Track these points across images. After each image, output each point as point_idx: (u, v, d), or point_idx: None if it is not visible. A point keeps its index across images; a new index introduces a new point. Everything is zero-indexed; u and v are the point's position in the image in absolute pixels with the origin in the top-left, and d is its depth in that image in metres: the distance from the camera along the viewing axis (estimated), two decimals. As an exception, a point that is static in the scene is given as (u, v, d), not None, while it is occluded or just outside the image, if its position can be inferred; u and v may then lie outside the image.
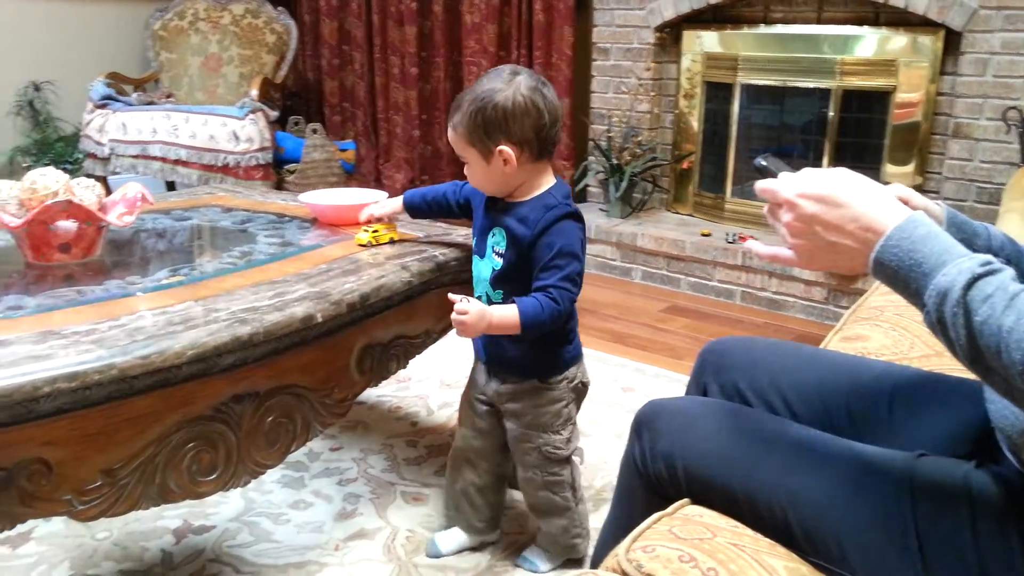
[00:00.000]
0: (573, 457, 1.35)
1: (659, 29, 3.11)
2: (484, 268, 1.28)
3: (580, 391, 1.34)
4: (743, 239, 2.79)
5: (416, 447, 1.74)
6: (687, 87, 3.13)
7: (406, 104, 4.02)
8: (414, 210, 1.45)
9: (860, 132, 2.72)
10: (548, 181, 1.25)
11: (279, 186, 3.59)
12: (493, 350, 1.31)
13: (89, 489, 0.99)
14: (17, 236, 1.30)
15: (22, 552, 1.36)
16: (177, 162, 3.55)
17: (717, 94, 3.04)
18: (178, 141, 3.52)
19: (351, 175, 3.98)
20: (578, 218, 1.23)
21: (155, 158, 3.57)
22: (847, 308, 1.56)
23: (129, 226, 1.39)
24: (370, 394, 1.93)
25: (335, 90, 4.38)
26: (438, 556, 1.38)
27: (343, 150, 3.97)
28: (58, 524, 1.42)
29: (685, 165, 3.19)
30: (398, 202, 1.45)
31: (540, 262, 1.20)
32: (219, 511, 1.49)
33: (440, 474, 1.63)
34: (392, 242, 1.45)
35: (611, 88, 3.29)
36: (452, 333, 1.45)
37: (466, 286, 1.36)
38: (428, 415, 1.90)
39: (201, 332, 1.03)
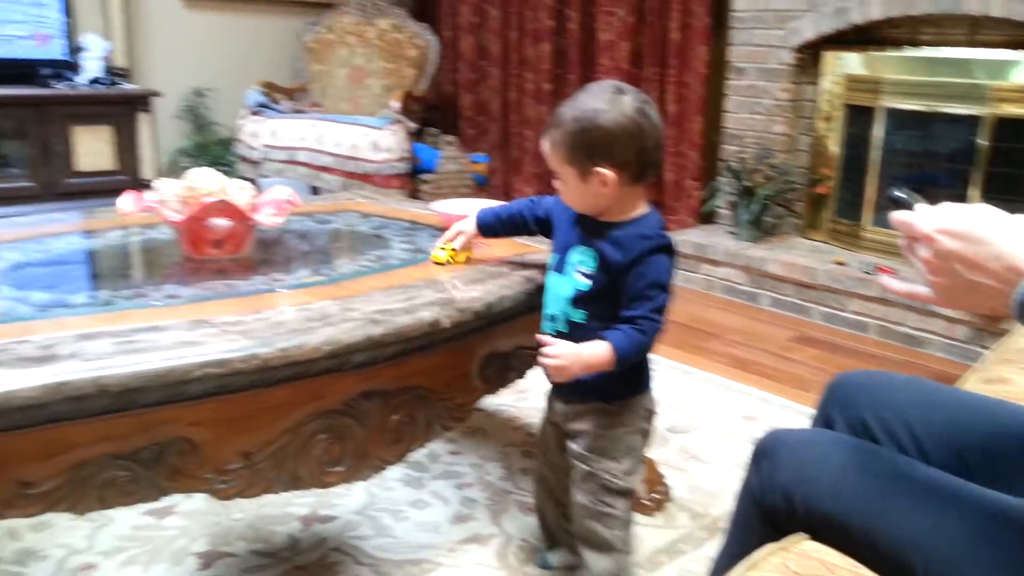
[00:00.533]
0: (632, 492, 1.26)
1: (798, 50, 3.04)
2: (563, 286, 1.22)
3: (647, 419, 1.27)
4: (881, 270, 2.68)
5: (532, 458, 1.76)
6: (826, 109, 3.04)
7: (538, 119, 4.07)
8: (487, 229, 1.39)
9: (1014, 163, 2.56)
10: (642, 207, 1.21)
11: (414, 195, 3.72)
12: None
13: (229, 469, 1.06)
14: (178, 231, 1.41)
15: (166, 524, 1.47)
16: (322, 168, 3.73)
17: (858, 118, 2.94)
18: (323, 149, 3.71)
19: (482, 187, 4.07)
20: (671, 251, 1.19)
21: (302, 164, 3.77)
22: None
23: (276, 226, 1.48)
24: (490, 402, 1.97)
25: (471, 104, 4.50)
26: (547, 568, 1.39)
27: (476, 162, 4.07)
28: (199, 502, 1.53)
29: (821, 190, 3.09)
30: (472, 222, 1.40)
31: (630, 291, 1.16)
32: (343, 503, 1.56)
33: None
34: (468, 261, 1.41)
35: (745, 108, 3.23)
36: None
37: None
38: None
39: (337, 330, 1.09)
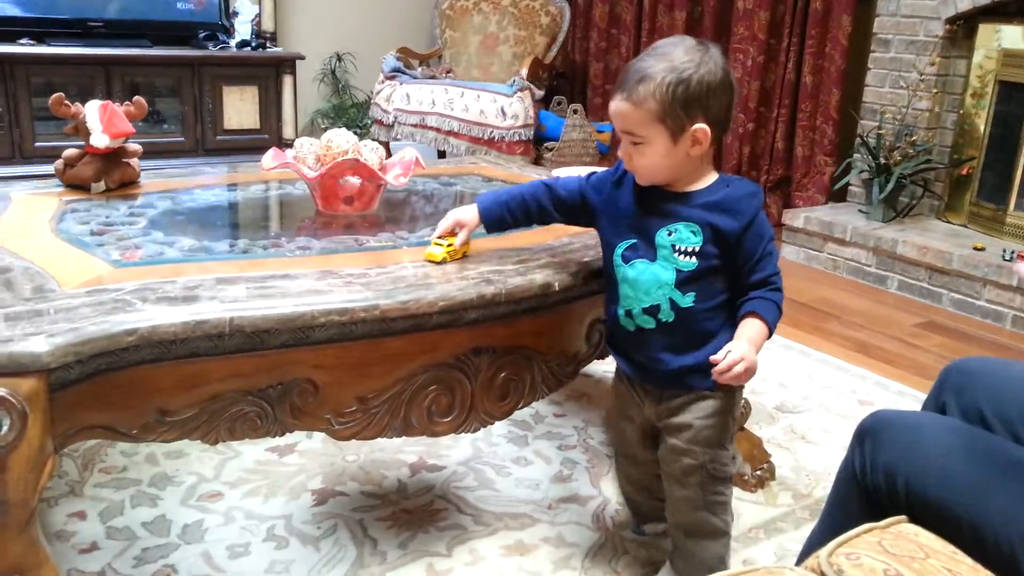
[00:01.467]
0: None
1: (951, 21, 2.86)
2: (661, 272, 1.12)
3: (740, 399, 1.22)
4: (1021, 257, 2.51)
5: (636, 425, 1.78)
6: (976, 86, 2.85)
7: (668, 89, 4.00)
8: (493, 222, 1.26)
9: None
10: (711, 169, 1.16)
11: (536, 162, 3.75)
12: (649, 366, 1.19)
13: (346, 412, 1.13)
14: (311, 186, 1.50)
15: (286, 461, 1.58)
16: (449, 133, 3.81)
17: (1012, 95, 2.74)
18: (452, 114, 3.79)
19: (605, 156, 4.05)
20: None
21: (431, 128, 3.86)
22: None
23: (403, 186, 1.54)
24: (596, 368, 1.99)
25: (599, 72, 4.47)
26: (641, 535, 1.41)
27: (600, 132, 4.05)
28: (316, 442, 1.63)
29: (964, 171, 2.92)
30: (474, 211, 1.25)
31: (752, 254, 1.11)
32: (450, 454, 1.63)
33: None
34: (465, 256, 1.26)
35: (888, 82, 3.07)
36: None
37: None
38: (652, 397, 1.93)
39: (452, 287, 1.14)
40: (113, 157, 1.51)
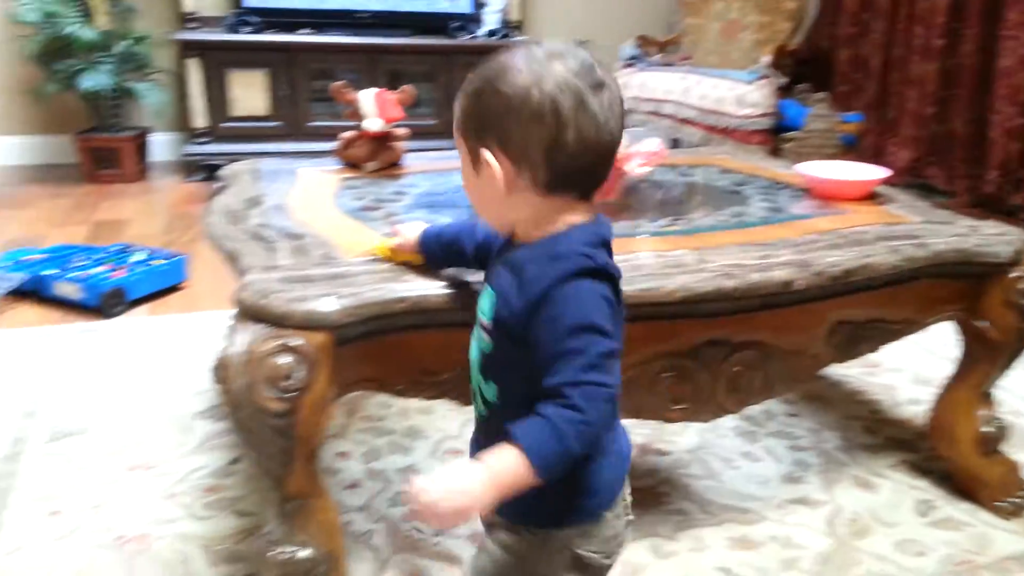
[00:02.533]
0: None
1: None
2: (473, 349, 0.89)
3: (579, 566, 0.86)
4: None
5: (874, 435, 1.70)
6: None
7: (922, 78, 3.72)
8: (427, 251, 1.06)
9: None
10: (569, 220, 0.82)
11: (775, 152, 3.63)
12: None
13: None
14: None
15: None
16: (684, 121, 3.78)
17: None
18: (688, 102, 3.75)
19: (850, 148, 3.83)
20: (602, 276, 0.79)
21: (666, 116, 3.86)
22: None
23: (643, 176, 1.58)
24: (834, 371, 1.92)
25: (847, 59, 4.22)
26: None
27: (846, 122, 3.83)
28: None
29: None
30: (416, 232, 1.08)
31: (545, 347, 0.76)
32: (677, 441, 1.65)
33: (897, 468, 1.59)
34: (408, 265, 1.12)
35: None
36: (935, 327, 1.39)
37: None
38: (893, 406, 1.83)
39: (690, 278, 1.15)
40: (383, 140, 1.67)
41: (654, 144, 1.60)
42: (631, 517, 0.92)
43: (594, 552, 0.86)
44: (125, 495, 1.42)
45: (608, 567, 0.88)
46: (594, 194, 0.84)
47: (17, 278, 2.25)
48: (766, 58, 3.65)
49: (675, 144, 4.11)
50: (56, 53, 3.46)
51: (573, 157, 0.78)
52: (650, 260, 1.22)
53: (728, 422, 1.71)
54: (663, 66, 4.06)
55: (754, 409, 1.74)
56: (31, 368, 1.87)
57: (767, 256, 1.25)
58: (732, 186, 1.74)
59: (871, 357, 1.37)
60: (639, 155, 1.58)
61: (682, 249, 1.27)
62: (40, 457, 1.52)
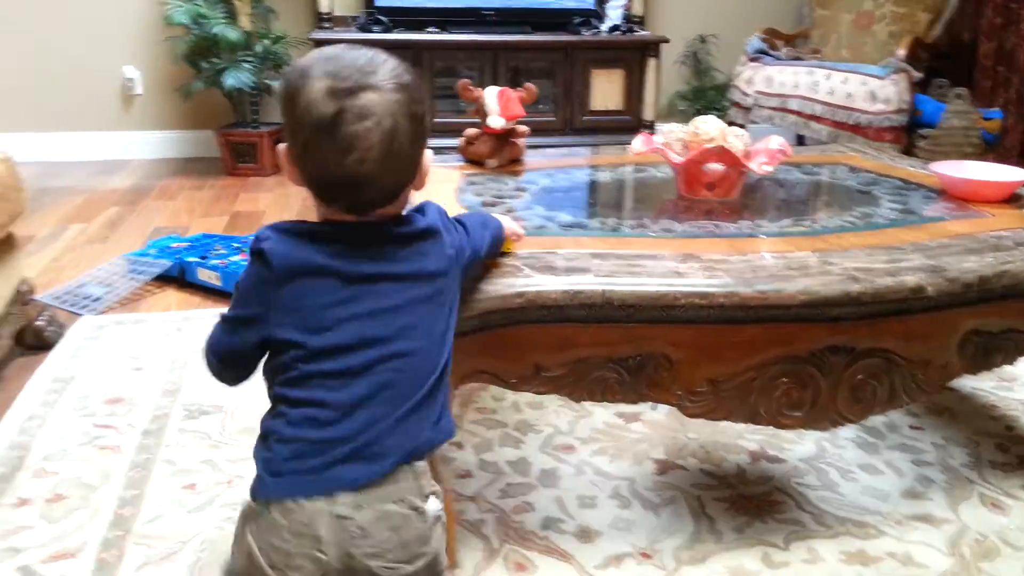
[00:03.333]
0: None
1: None
2: None
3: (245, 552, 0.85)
4: None
5: (1007, 452, 1.61)
6: None
7: (1082, 72, 3.45)
8: None
9: None
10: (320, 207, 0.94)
11: (907, 151, 3.46)
12: None
13: (697, 391, 1.18)
14: (676, 171, 1.56)
15: (632, 428, 1.68)
16: (811, 117, 3.66)
17: None
18: (815, 97, 3.63)
19: (991, 147, 3.61)
20: (257, 256, 0.89)
21: (791, 111, 3.74)
22: None
23: (767, 175, 1.55)
24: (964, 383, 1.83)
25: (991, 52, 3.96)
26: None
27: (987, 119, 3.61)
28: (660, 414, 1.71)
29: None
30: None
31: None
32: (793, 449, 1.61)
33: (1027, 486, 1.50)
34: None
35: None
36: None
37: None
38: (1029, 423, 1.73)
39: (814, 281, 1.13)
40: (505, 137, 1.70)
41: (777, 142, 1.57)
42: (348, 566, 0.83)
43: (257, 547, 0.84)
44: (254, 471, 1.51)
45: None
46: (363, 212, 0.91)
47: (163, 264, 2.42)
48: (901, 51, 3.48)
49: (800, 141, 3.98)
50: (203, 53, 3.68)
51: (315, 176, 0.88)
52: (771, 261, 1.20)
53: (848, 432, 1.65)
54: (790, 60, 3.93)
55: (876, 420, 1.68)
56: (173, 349, 2.01)
57: (897, 260, 1.21)
58: (861, 186, 1.68)
59: (1007, 370, 1.31)
60: (762, 153, 1.55)
61: (805, 251, 1.25)
62: (179, 433, 1.64)
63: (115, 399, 1.77)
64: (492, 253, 1.14)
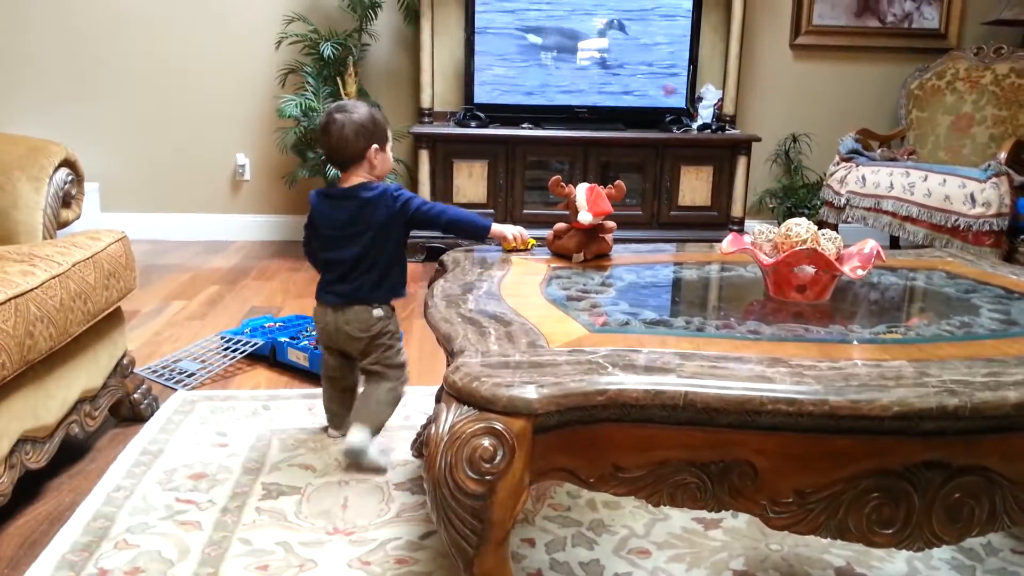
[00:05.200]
0: None
1: None
2: None
3: None
4: None
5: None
6: None
7: None
8: None
9: None
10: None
11: (1008, 256, 3.33)
12: None
13: (782, 502, 1.14)
14: (765, 272, 1.55)
15: (711, 535, 1.62)
16: (906, 219, 3.58)
17: None
18: (911, 198, 3.56)
19: (1104, 255, 3.44)
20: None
21: (886, 212, 3.67)
22: None
23: (860, 279, 1.52)
24: (1076, 506, 1.71)
25: (1105, 157, 3.83)
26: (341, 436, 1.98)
27: (1099, 226, 3.46)
28: (740, 522, 1.65)
29: None
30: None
31: None
32: (883, 567, 1.52)
33: None
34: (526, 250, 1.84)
35: None
36: None
37: None
38: None
39: (909, 392, 1.09)
40: (592, 232, 1.73)
41: (871, 246, 1.54)
42: None
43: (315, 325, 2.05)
44: (325, 557, 1.52)
45: None
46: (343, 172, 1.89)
47: (255, 343, 2.52)
48: (1002, 154, 3.40)
49: (894, 242, 3.89)
50: (310, 143, 3.89)
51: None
52: (864, 370, 1.17)
53: (943, 553, 1.56)
54: (886, 161, 3.88)
55: (974, 541, 1.58)
56: (258, 427, 2.07)
57: (997, 373, 1.16)
58: (959, 293, 1.63)
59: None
60: (855, 256, 1.53)
61: (901, 360, 1.21)
62: (256, 513, 1.67)
63: (199, 474, 1.82)
64: (468, 234, 1.91)
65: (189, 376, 2.38)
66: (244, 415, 2.14)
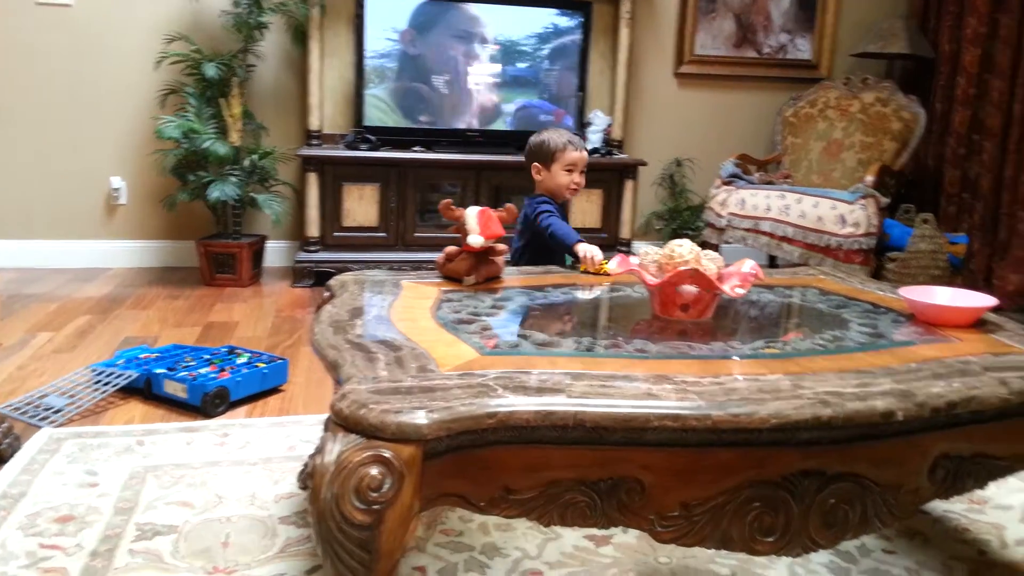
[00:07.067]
0: None
1: None
2: None
3: None
4: None
5: (982, 578, 1.59)
6: None
7: (1040, 201, 3.60)
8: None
9: None
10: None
11: (876, 273, 3.54)
12: None
13: (669, 516, 1.16)
14: (651, 292, 1.59)
15: (602, 551, 1.63)
16: (783, 239, 3.76)
17: None
18: (787, 219, 3.74)
19: (957, 271, 3.71)
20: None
21: (764, 233, 3.84)
22: None
23: (739, 297, 1.57)
24: (936, 506, 1.81)
25: (955, 180, 4.14)
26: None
27: (953, 243, 3.73)
28: (630, 537, 1.67)
29: None
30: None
31: None
32: (766, 574, 1.57)
33: (1009, 618, 1.47)
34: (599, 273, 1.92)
35: None
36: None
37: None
38: (1001, 548, 1.70)
39: (786, 405, 1.13)
40: (484, 255, 1.73)
41: (749, 266, 1.60)
42: None
43: None
44: (213, 594, 1.45)
45: None
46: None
47: (129, 375, 2.39)
48: (870, 177, 3.62)
49: (772, 261, 4.07)
50: (190, 166, 3.76)
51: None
52: (744, 384, 1.20)
53: (820, 557, 1.62)
54: (763, 184, 4.07)
55: (848, 544, 1.65)
56: (131, 464, 1.96)
57: (867, 384, 1.21)
58: (831, 308, 1.71)
59: (978, 493, 1.29)
60: (735, 275, 1.58)
61: (778, 374, 1.25)
62: (130, 556, 1.57)
63: (66, 517, 1.70)
64: (560, 245, 2.22)
65: (56, 412, 2.24)
66: (116, 452, 2.02)
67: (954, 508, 1.83)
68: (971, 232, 3.96)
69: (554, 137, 2.36)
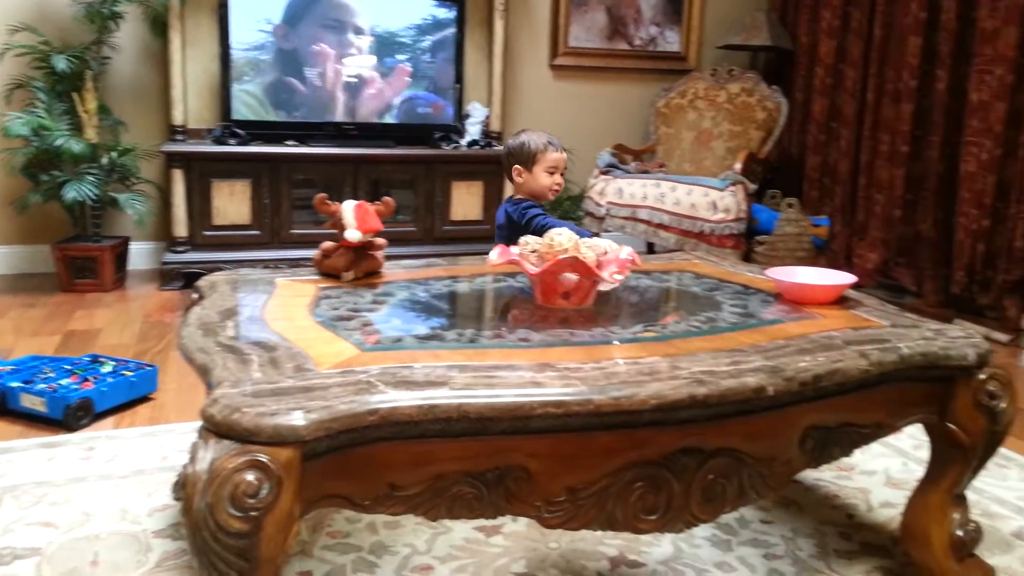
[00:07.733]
0: None
1: None
2: None
3: None
4: None
5: (850, 540, 1.68)
6: None
7: (890, 183, 3.84)
8: None
9: None
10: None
11: (747, 256, 3.70)
12: None
13: (555, 501, 1.17)
14: (533, 281, 1.59)
15: (492, 542, 1.64)
16: (659, 226, 3.87)
17: None
18: (663, 207, 3.85)
19: (821, 251, 3.92)
20: None
21: (641, 220, 3.94)
22: None
23: (618, 283, 1.60)
24: (808, 475, 1.91)
25: (816, 166, 4.37)
26: None
27: (816, 225, 3.94)
28: (520, 526, 1.68)
29: None
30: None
31: None
32: (651, 552, 1.62)
33: (872, 574, 1.56)
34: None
35: None
36: (907, 430, 1.39)
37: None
38: (867, 511, 1.81)
39: (664, 386, 1.16)
40: (362, 250, 1.70)
41: (626, 252, 1.63)
42: None
43: None
44: (84, 618, 1.36)
45: None
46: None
47: (-17, 390, 2.22)
48: (737, 165, 3.78)
49: (651, 248, 4.19)
50: (43, 165, 3.52)
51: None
52: (624, 368, 1.22)
53: (702, 531, 1.68)
54: (639, 173, 4.18)
55: (728, 516, 1.72)
56: (-6, 483, 1.82)
57: (738, 362, 1.26)
58: (705, 291, 1.77)
59: (844, 460, 1.36)
60: (613, 263, 1.61)
61: (656, 356, 1.28)
62: (-6, 580, 1.47)
63: (-82, 546, 1.57)
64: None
65: (-100, 434, 2.05)
66: (-27, 473, 1.87)
67: (824, 476, 1.93)
68: (832, 215, 4.19)
69: (534, 139, 2.35)
